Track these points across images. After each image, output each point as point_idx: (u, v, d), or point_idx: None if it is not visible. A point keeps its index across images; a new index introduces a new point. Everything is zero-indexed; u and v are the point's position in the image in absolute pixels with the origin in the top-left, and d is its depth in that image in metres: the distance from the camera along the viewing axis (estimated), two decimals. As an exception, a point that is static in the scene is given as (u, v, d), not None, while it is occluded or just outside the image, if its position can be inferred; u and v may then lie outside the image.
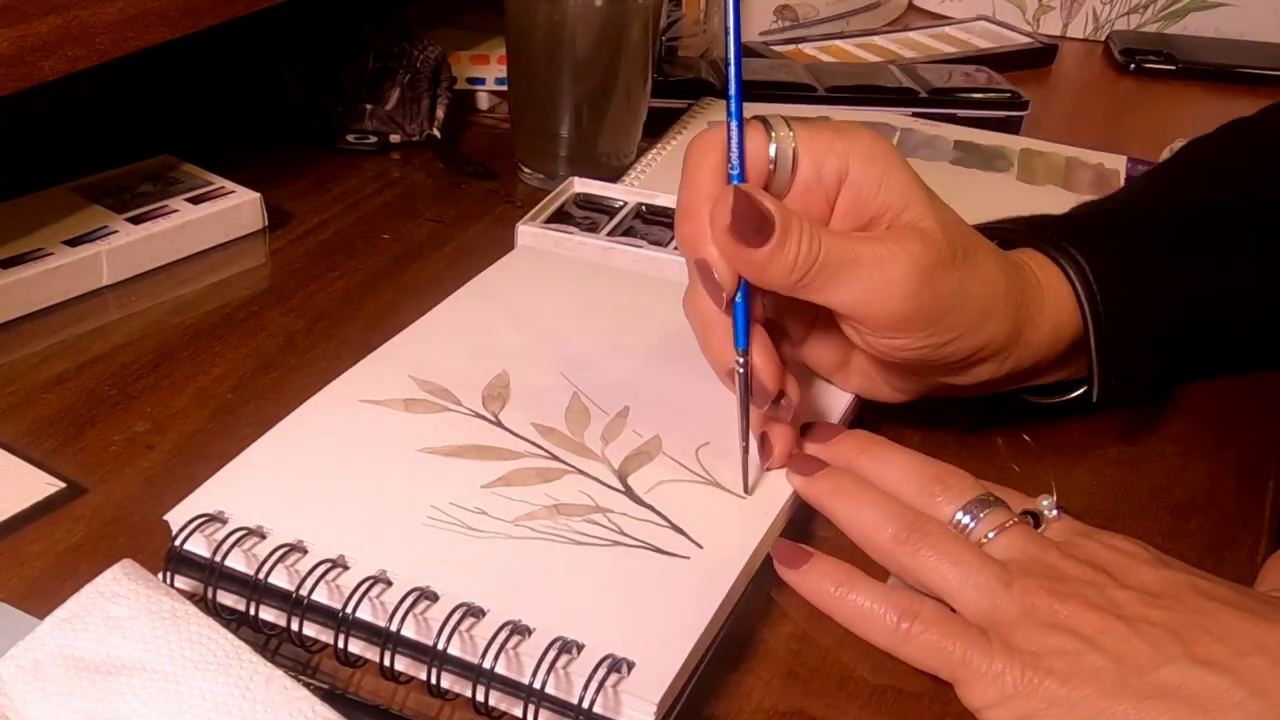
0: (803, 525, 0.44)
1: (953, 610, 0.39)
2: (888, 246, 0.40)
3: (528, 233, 0.60)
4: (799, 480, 0.43)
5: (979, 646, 0.36)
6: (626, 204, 0.64)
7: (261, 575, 0.37)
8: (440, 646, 0.35)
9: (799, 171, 0.41)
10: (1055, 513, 0.42)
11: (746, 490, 0.43)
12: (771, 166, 0.41)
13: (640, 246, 0.59)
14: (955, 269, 0.41)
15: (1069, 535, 0.41)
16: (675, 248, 0.60)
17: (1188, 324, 0.49)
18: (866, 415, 0.50)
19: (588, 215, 0.64)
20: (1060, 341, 0.46)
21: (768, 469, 0.44)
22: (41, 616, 0.34)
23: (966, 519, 0.41)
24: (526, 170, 0.72)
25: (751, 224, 0.39)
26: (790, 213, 0.40)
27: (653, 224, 0.64)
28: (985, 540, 0.40)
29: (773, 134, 0.41)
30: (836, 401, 0.48)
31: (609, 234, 0.61)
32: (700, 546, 0.40)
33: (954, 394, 0.48)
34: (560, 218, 0.63)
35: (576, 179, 0.66)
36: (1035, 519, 0.42)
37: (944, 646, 0.37)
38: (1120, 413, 0.52)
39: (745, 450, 0.43)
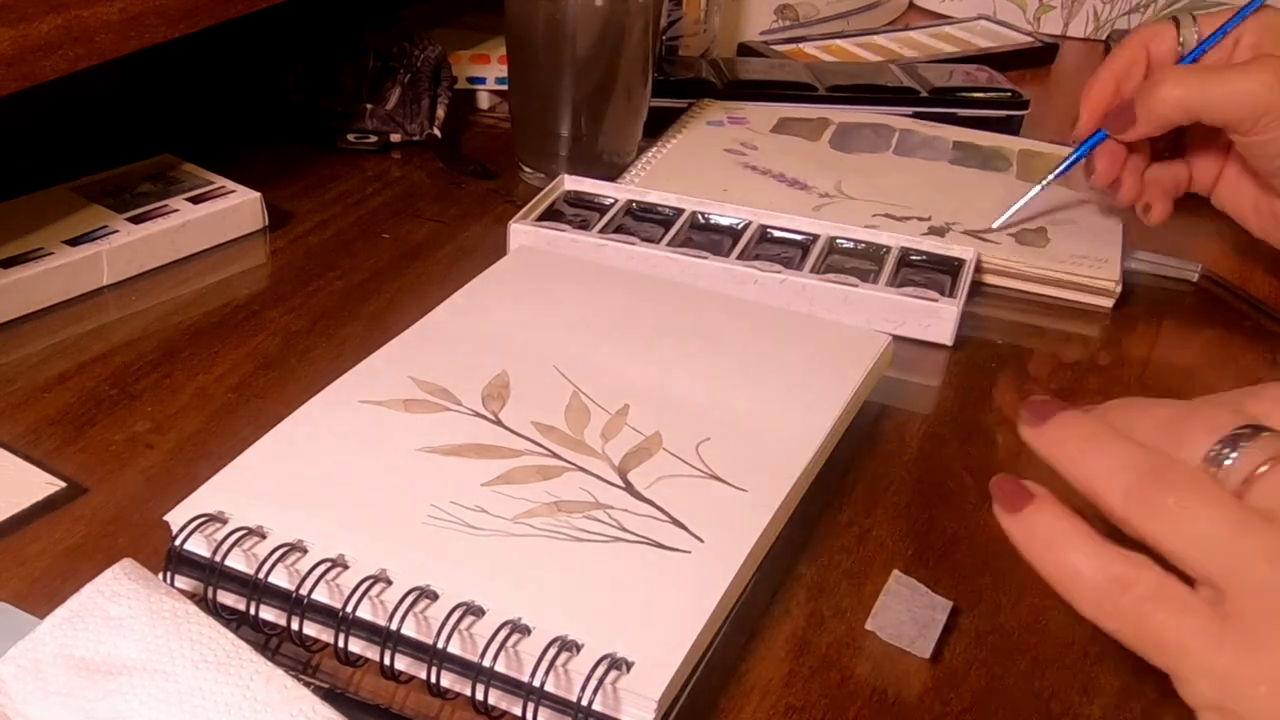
0: (803, 521, 0.44)
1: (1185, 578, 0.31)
2: (1242, 64, 0.56)
3: (520, 231, 0.60)
4: (1030, 431, 0.35)
5: (1207, 637, 0.30)
6: (617, 201, 0.65)
7: (261, 575, 0.37)
8: (440, 645, 0.35)
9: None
10: None
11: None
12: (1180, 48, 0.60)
13: (633, 243, 0.60)
14: None
15: None
16: (667, 245, 0.60)
17: None
18: (871, 413, 0.50)
19: (579, 213, 0.64)
20: None
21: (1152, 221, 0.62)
22: (42, 616, 0.34)
23: (1227, 451, 0.32)
24: (527, 170, 0.72)
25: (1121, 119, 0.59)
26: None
27: (644, 221, 0.64)
28: (1252, 479, 0.31)
29: (1180, 29, 0.60)
30: (837, 395, 0.48)
31: (600, 231, 0.61)
32: (701, 540, 0.40)
33: None
34: (551, 216, 0.63)
35: (567, 176, 0.66)
36: None
37: (1155, 626, 0.31)
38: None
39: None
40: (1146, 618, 0.31)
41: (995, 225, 0.63)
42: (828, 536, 0.43)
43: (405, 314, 0.52)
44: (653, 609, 0.37)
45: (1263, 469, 0.31)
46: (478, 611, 0.36)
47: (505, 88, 0.79)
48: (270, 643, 0.38)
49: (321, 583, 0.37)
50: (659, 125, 0.76)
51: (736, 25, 0.98)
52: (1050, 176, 0.63)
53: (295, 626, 0.37)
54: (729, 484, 0.43)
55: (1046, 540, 0.33)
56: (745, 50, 0.95)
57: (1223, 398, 0.35)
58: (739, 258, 0.59)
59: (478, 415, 0.46)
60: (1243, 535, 0.30)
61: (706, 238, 0.63)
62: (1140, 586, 0.31)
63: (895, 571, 0.42)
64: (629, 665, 0.35)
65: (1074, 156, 0.62)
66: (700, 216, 0.64)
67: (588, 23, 0.66)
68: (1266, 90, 0.53)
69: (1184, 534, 0.31)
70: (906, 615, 0.40)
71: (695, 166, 0.71)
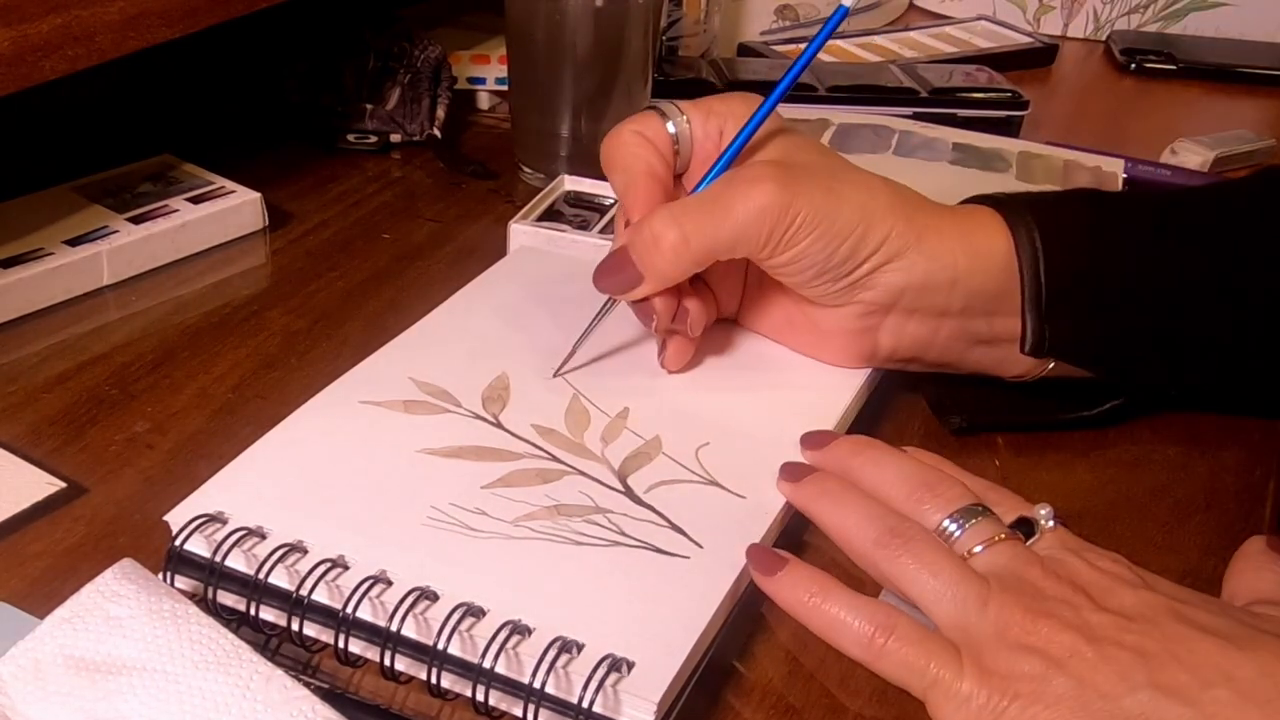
0: (802, 525, 0.44)
1: (930, 623, 0.38)
2: (742, 179, 0.46)
3: (520, 231, 0.60)
4: (787, 486, 0.43)
5: (950, 666, 0.36)
6: (617, 201, 0.64)
7: (261, 575, 0.37)
8: (440, 646, 0.35)
9: (695, 139, 0.50)
10: (1051, 524, 0.41)
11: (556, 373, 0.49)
12: (676, 145, 0.50)
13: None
14: (819, 179, 0.46)
15: (1057, 550, 0.40)
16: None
17: (1140, 303, 0.47)
18: (870, 416, 0.50)
19: (579, 213, 0.64)
20: (988, 269, 0.45)
21: (664, 367, 0.49)
22: (41, 616, 0.34)
23: (953, 528, 0.40)
24: (527, 170, 0.72)
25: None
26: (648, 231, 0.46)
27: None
28: (971, 554, 0.39)
29: (670, 119, 0.50)
30: (837, 399, 0.48)
31: (600, 231, 0.61)
32: (700, 546, 0.40)
33: (906, 363, 0.49)
34: (551, 216, 0.63)
35: (566, 176, 0.66)
36: (1030, 526, 0.41)
37: (916, 663, 0.36)
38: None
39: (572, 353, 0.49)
40: (905, 655, 0.37)
41: (555, 374, 0.49)
42: (827, 538, 0.43)
43: (405, 314, 0.52)
44: (653, 611, 0.37)
45: (978, 548, 0.39)
46: (478, 612, 0.36)
47: (505, 88, 0.79)
48: (270, 643, 0.38)
49: (321, 583, 0.37)
50: (659, 126, 0.75)
51: (736, 25, 0.98)
52: (591, 324, 0.49)
53: (295, 627, 0.37)
54: (728, 490, 0.43)
55: (808, 597, 0.39)
56: (745, 50, 0.95)
57: (959, 474, 0.43)
58: (739, 258, 0.59)
59: (478, 417, 0.46)
60: (963, 586, 0.38)
61: (706, 238, 0.62)
62: (898, 630, 0.37)
63: (895, 573, 0.42)
64: (629, 666, 0.35)
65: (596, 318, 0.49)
66: (700, 217, 0.64)
67: (588, 23, 0.66)
68: (776, 208, 0.44)
69: (920, 583, 0.38)
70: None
71: (695, 167, 0.71)
